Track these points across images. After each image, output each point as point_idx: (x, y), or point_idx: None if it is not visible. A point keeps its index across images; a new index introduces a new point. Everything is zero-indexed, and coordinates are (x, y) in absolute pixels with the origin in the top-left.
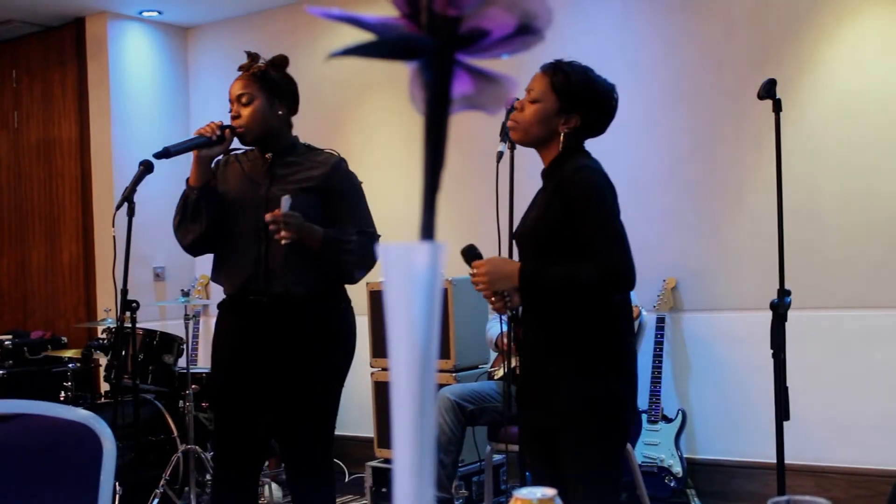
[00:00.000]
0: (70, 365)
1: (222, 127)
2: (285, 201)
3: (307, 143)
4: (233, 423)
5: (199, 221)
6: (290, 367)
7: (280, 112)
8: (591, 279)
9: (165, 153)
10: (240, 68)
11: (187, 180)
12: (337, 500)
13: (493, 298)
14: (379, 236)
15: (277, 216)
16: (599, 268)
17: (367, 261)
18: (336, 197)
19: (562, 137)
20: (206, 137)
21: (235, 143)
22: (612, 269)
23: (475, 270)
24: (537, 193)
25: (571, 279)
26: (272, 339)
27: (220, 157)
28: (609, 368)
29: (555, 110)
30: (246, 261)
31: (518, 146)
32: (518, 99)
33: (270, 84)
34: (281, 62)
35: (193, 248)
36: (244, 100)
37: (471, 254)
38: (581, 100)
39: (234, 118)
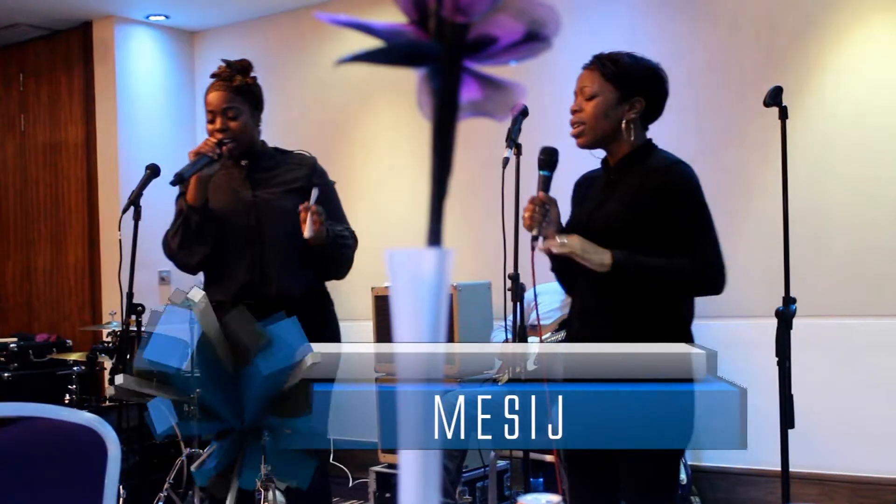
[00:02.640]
0: (75, 368)
1: (218, 143)
2: (315, 193)
3: (275, 146)
4: None
5: (205, 241)
6: None
7: (259, 122)
8: (688, 275)
9: (180, 179)
10: (215, 76)
11: (182, 200)
12: None
13: (529, 213)
14: (351, 230)
15: (311, 207)
16: (698, 265)
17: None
18: (320, 196)
19: (630, 126)
20: (208, 157)
21: None
22: (711, 268)
23: (565, 240)
24: (591, 188)
25: (667, 271)
26: None
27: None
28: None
29: (616, 100)
30: (240, 268)
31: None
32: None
33: (252, 96)
34: (251, 68)
35: (199, 267)
36: (231, 114)
37: (550, 159)
38: (637, 82)
39: (220, 131)
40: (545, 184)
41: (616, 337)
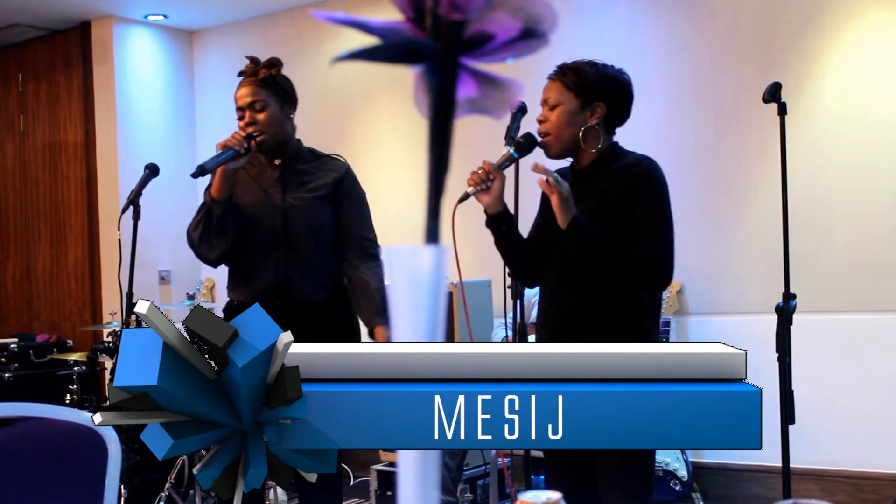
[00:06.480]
0: (75, 368)
1: (247, 137)
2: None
3: (310, 147)
4: None
5: (226, 236)
6: None
7: (291, 116)
8: (633, 259)
9: (202, 171)
10: (241, 73)
11: (208, 192)
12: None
13: (475, 173)
14: (377, 243)
15: None
16: (645, 254)
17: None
18: (344, 204)
19: (593, 132)
20: (234, 150)
21: None
22: (654, 259)
23: (559, 179)
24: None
25: (618, 246)
26: None
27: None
28: None
29: (577, 107)
30: (265, 271)
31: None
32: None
33: (279, 88)
34: (278, 64)
35: (218, 262)
36: (258, 106)
37: (525, 145)
38: (597, 88)
39: (249, 125)
40: (506, 161)
41: (588, 321)
